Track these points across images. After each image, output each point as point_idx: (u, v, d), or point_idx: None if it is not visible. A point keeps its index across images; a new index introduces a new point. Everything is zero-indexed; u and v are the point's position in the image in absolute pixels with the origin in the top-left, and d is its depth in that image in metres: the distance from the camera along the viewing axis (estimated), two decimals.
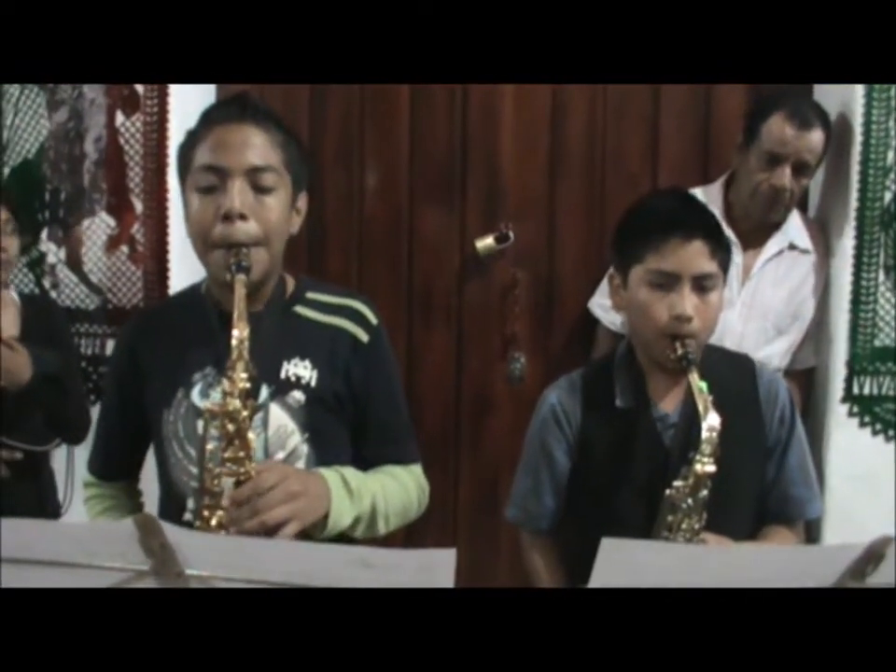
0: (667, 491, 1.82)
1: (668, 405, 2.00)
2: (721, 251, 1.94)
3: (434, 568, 1.18)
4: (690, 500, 1.81)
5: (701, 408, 1.80)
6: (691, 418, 1.91)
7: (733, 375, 2.01)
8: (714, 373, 1.90)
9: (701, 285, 1.90)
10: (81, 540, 1.25)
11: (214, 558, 1.23)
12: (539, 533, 2.14)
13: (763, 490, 2.03)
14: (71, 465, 2.95)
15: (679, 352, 1.87)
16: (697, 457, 1.79)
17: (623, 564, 1.23)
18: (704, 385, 1.82)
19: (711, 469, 1.78)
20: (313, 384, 1.83)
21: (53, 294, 3.15)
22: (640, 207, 2.05)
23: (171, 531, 1.21)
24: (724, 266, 1.95)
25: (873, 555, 1.23)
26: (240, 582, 1.21)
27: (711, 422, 1.78)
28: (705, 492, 1.80)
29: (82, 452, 2.86)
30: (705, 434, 1.78)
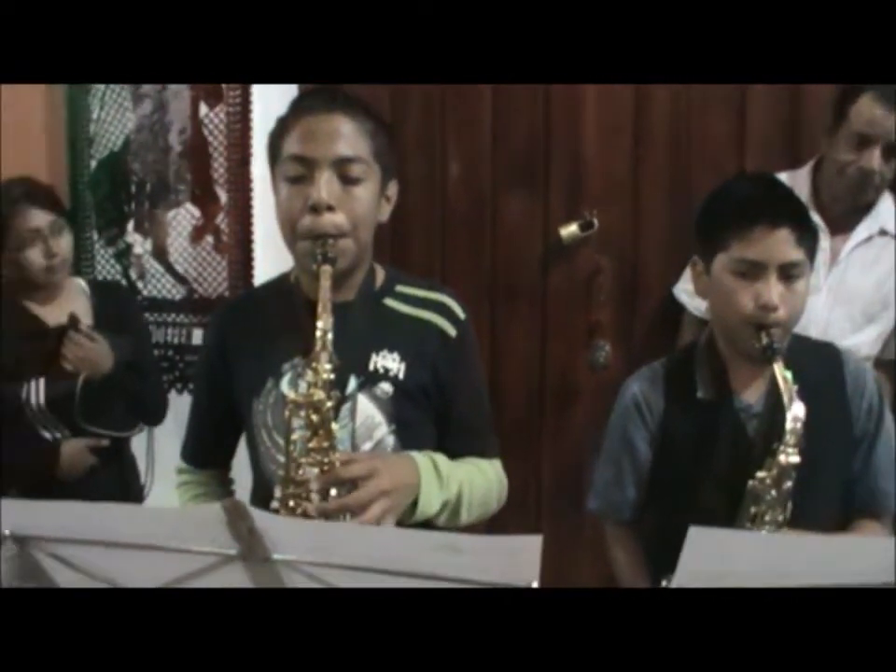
0: (750, 482, 1.80)
1: (751, 395, 1.98)
2: (807, 238, 1.90)
3: (520, 554, 1.17)
4: (773, 491, 1.79)
5: (786, 398, 1.77)
6: (774, 408, 1.88)
7: (818, 365, 1.98)
8: (799, 363, 1.87)
9: (787, 273, 1.87)
10: (171, 524, 1.27)
11: (301, 543, 1.24)
12: (621, 524, 2.13)
13: (851, 483, 2.00)
14: (151, 449, 3.00)
15: (765, 341, 1.84)
16: (781, 448, 1.77)
17: (710, 552, 1.21)
18: (789, 374, 1.80)
19: (795, 459, 1.77)
20: (401, 376, 1.83)
21: (140, 284, 3.20)
22: (725, 193, 2.02)
23: (259, 516, 1.22)
24: (811, 253, 1.92)
25: None
26: (326, 567, 1.23)
27: (796, 412, 1.76)
28: (789, 483, 1.78)
29: (161, 435, 2.91)
30: (789, 424, 1.76)
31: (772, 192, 1.99)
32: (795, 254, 1.87)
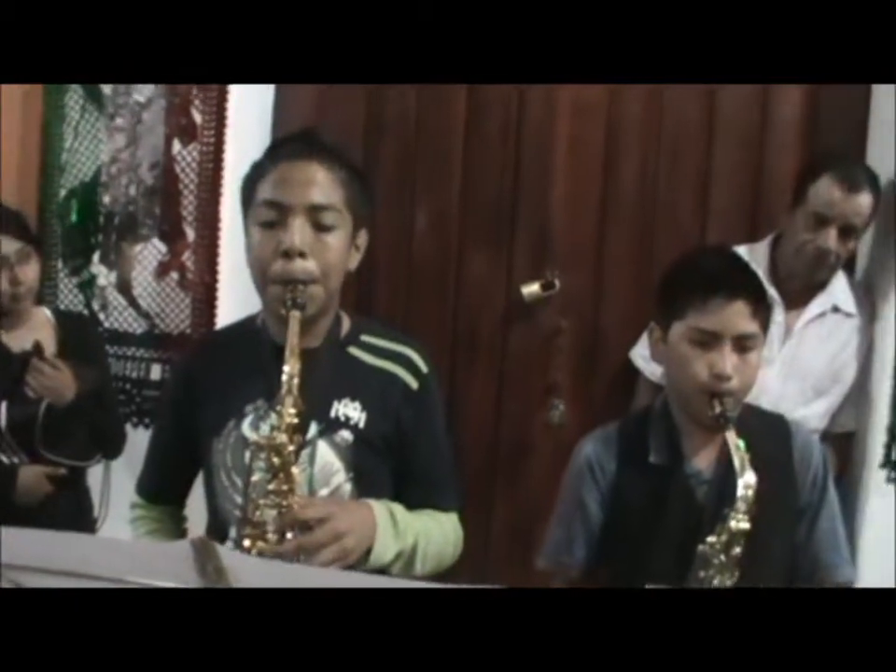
0: (700, 546, 1.82)
1: (702, 461, 2.00)
2: (762, 311, 1.95)
3: None
4: (722, 556, 1.80)
5: (738, 465, 1.79)
6: (724, 475, 1.91)
7: (767, 435, 2.01)
8: (749, 432, 1.89)
9: (742, 344, 1.91)
10: (136, 558, 1.28)
11: (265, 583, 1.24)
12: (570, 583, 2.12)
13: (794, 552, 2.02)
14: (107, 481, 2.98)
15: (717, 410, 1.87)
16: (732, 514, 1.78)
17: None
18: (741, 442, 1.82)
19: (745, 526, 1.78)
20: (361, 425, 1.85)
21: (102, 316, 3.20)
22: (685, 264, 2.06)
23: (226, 555, 1.24)
24: (765, 326, 1.96)
25: None
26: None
27: (748, 480, 1.78)
28: (738, 549, 1.80)
29: (118, 469, 2.90)
30: (740, 491, 1.78)
31: (731, 266, 2.02)
32: (750, 326, 1.91)
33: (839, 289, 2.83)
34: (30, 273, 2.74)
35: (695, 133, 3.11)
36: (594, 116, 3.13)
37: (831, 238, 2.68)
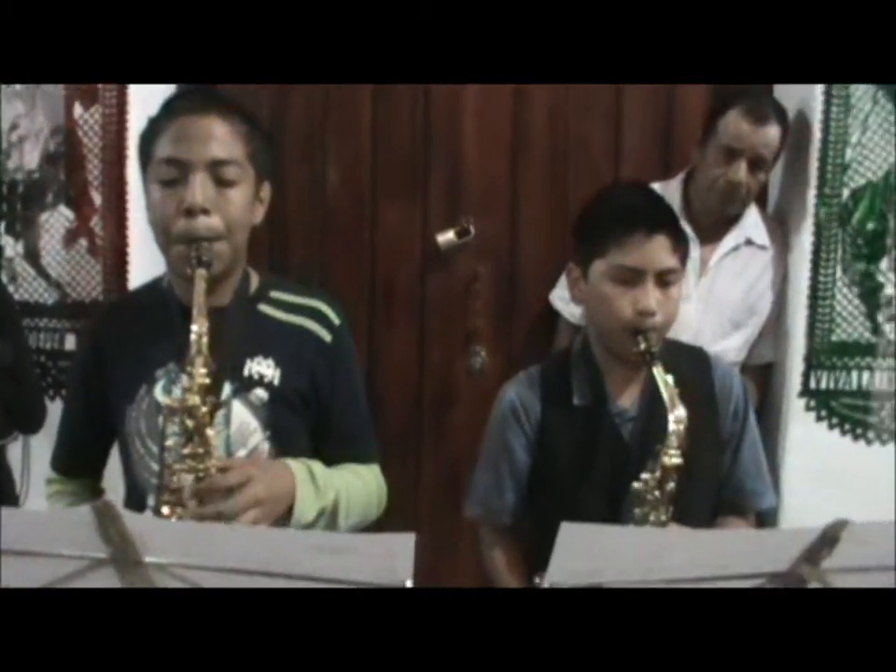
0: (635, 484, 1.83)
1: (626, 400, 2.02)
2: (681, 245, 1.95)
3: (394, 554, 1.18)
4: (657, 492, 1.81)
5: (668, 400, 1.80)
6: (650, 412, 1.94)
7: (688, 369, 2.01)
8: (670, 367, 1.89)
9: (664, 279, 1.91)
10: (38, 528, 1.25)
11: (173, 545, 1.23)
12: (500, 529, 2.14)
13: (719, 482, 2.05)
14: (27, 458, 2.93)
15: (643, 346, 1.87)
16: (664, 450, 1.79)
17: (582, 549, 1.23)
18: (670, 378, 1.83)
19: (678, 461, 1.79)
20: (276, 382, 1.83)
21: (11, 288, 3.12)
22: (602, 201, 2.05)
23: (130, 518, 1.21)
24: (684, 260, 1.97)
25: (827, 539, 1.25)
26: (199, 570, 1.21)
27: (678, 414, 1.79)
28: (671, 484, 1.81)
29: (38, 444, 2.84)
30: (672, 427, 1.79)
31: (648, 200, 2.03)
32: (671, 261, 1.92)
33: (752, 222, 2.85)
34: None
35: None
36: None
37: (741, 171, 2.70)
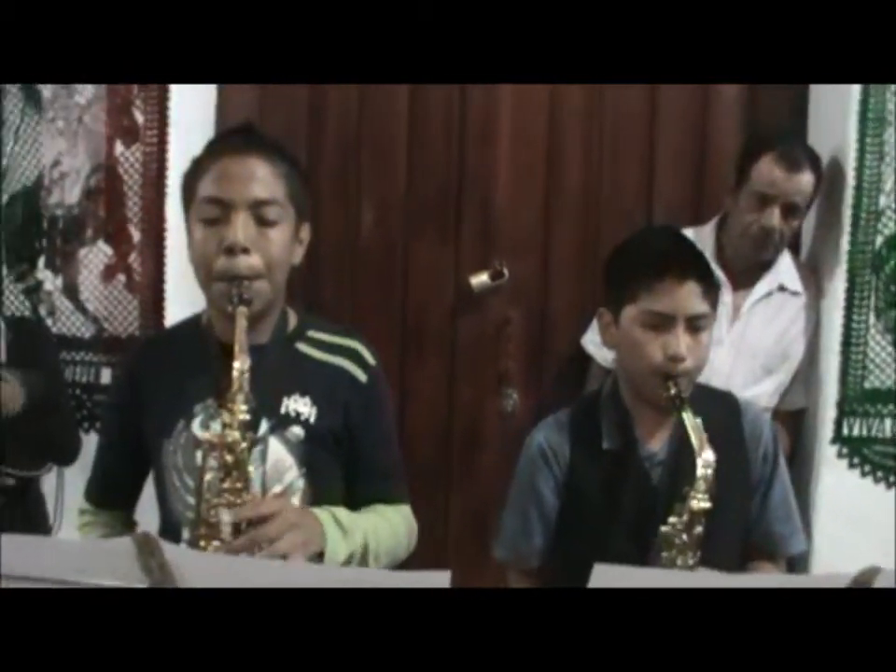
0: (662, 528, 1.82)
1: (655, 443, 2.01)
2: (712, 291, 1.95)
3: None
4: (685, 536, 1.81)
5: (696, 444, 1.80)
6: (678, 456, 1.93)
7: (718, 413, 2.01)
8: (700, 411, 1.89)
9: (694, 325, 1.91)
10: (79, 558, 1.26)
11: (211, 578, 1.24)
12: (527, 572, 2.14)
13: (749, 527, 2.04)
14: (61, 489, 2.95)
15: (673, 391, 1.87)
16: (692, 493, 1.79)
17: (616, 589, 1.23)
18: (699, 421, 1.83)
19: (706, 505, 1.79)
20: (312, 420, 1.84)
21: (49, 321, 3.17)
22: (633, 246, 2.05)
23: (169, 550, 1.22)
24: (714, 305, 1.97)
25: (860, 585, 1.26)
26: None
27: (707, 458, 1.78)
28: (699, 528, 1.81)
29: (72, 476, 2.87)
30: (700, 471, 1.78)
31: (679, 246, 2.02)
32: (701, 306, 1.91)
33: (785, 268, 2.85)
34: None
35: (637, 118, 3.12)
36: (536, 106, 3.13)
37: (774, 217, 2.71)
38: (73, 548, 1.32)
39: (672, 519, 1.82)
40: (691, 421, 1.83)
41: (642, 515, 1.93)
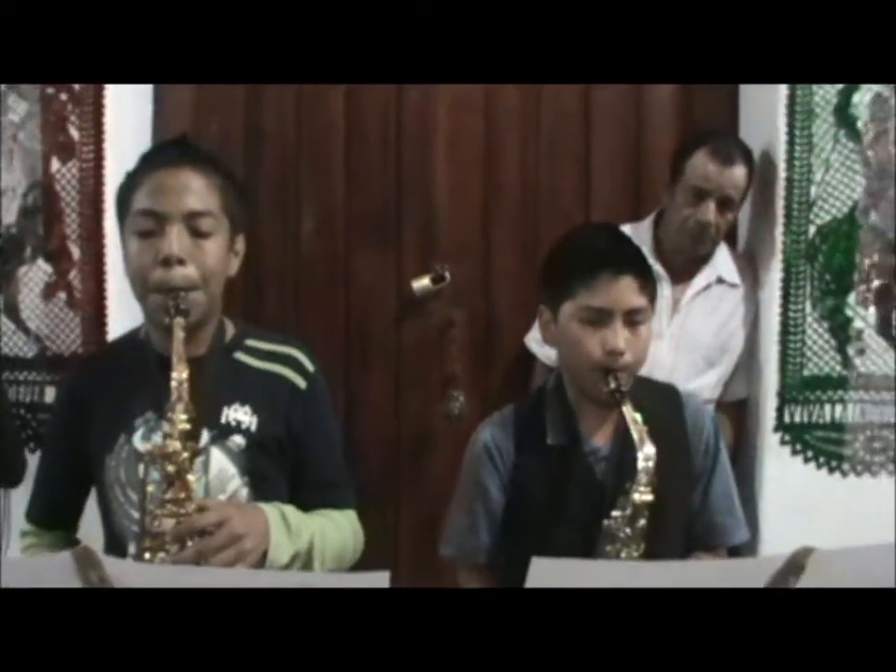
0: (605, 521, 1.83)
1: (599, 439, 2.02)
2: (649, 285, 1.96)
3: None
4: (628, 529, 1.82)
5: (637, 438, 1.81)
6: (622, 451, 1.94)
7: (660, 406, 2.03)
8: (642, 404, 1.91)
9: (632, 319, 1.92)
10: (19, 574, 1.25)
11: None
12: (475, 568, 2.14)
13: (691, 518, 2.06)
14: (6, 510, 2.92)
15: (612, 385, 1.88)
16: (635, 487, 1.80)
17: (554, 583, 1.24)
18: (639, 416, 1.84)
19: (649, 498, 1.80)
20: (253, 428, 1.85)
21: None
22: (569, 243, 2.06)
23: (109, 563, 1.22)
24: (652, 299, 1.98)
25: (794, 566, 1.28)
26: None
27: (647, 452, 1.80)
28: (642, 521, 1.82)
29: (17, 497, 2.84)
30: (641, 464, 1.79)
31: (615, 242, 2.04)
32: (639, 300, 1.93)
33: (722, 261, 2.89)
34: None
35: (572, 117, 3.15)
36: (472, 108, 3.15)
37: (710, 211, 2.74)
38: (12, 565, 1.31)
39: (615, 513, 1.83)
40: (630, 415, 1.84)
41: (588, 510, 1.94)
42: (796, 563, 1.28)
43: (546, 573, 1.24)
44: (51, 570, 1.23)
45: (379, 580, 1.18)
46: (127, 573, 1.24)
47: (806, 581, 1.26)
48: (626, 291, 1.92)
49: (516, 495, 2.06)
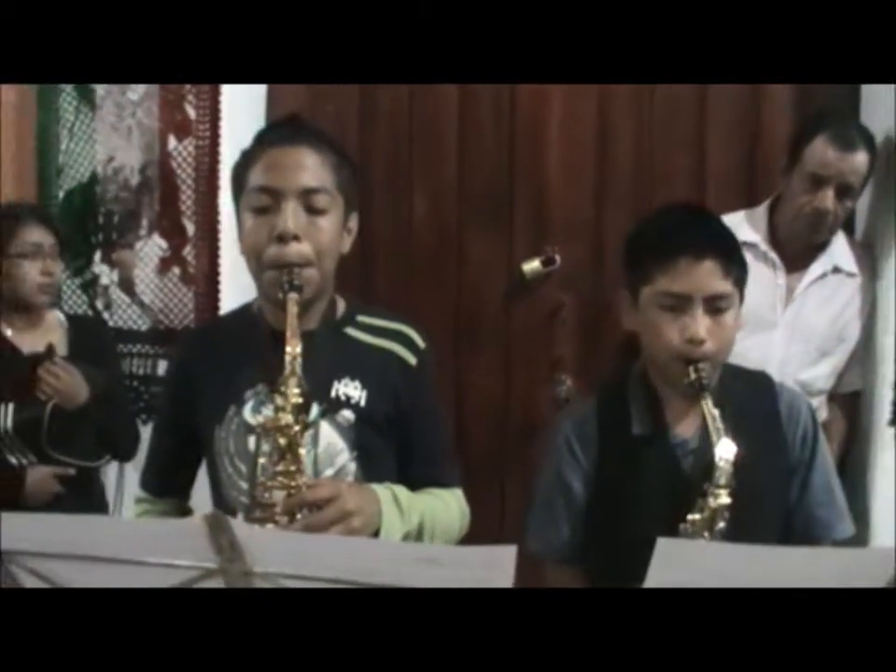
0: (681, 525, 1.76)
1: (687, 430, 1.94)
2: (735, 270, 1.87)
3: (496, 565, 1.20)
4: (706, 534, 1.75)
5: (714, 436, 1.74)
6: (710, 445, 1.80)
7: (752, 395, 1.96)
8: (732, 394, 1.85)
9: (714, 306, 1.84)
10: (150, 538, 1.28)
11: (281, 556, 1.25)
12: (561, 563, 2.06)
13: (788, 512, 1.97)
14: (121, 481, 3.01)
15: (693, 376, 1.80)
16: (711, 489, 1.73)
17: (678, 563, 1.23)
18: (717, 411, 1.76)
19: (725, 501, 1.73)
20: (362, 403, 1.85)
21: (106, 315, 3.21)
22: (648, 226, 2.00)
23: (240, 528, 1.24)
24: (740, 285, 1.89)
25: None
26: (306, 580, 1.23)
27: (724, 452, 1.73)
28: (721, 524, 1.75)
29: (132, 468, 2.91)
30: (718, 464, 1.73)
31: (695, 223, 1.96)
32: (722, 286, 1.84)
33: (839, 250, 2.82)
34: (58, 269, 2.81)
35: (688, 99, 3.11)
36: (586, 90, 3.13)
37: (828, 198, 2.67)
38: (143, 528, 1.34)
39: (691, 516, 1.76)
40: (710, 411, 1.77)
41: (674, 505, 1.82)
42: None
43: (671, 555, 1.22)
44: (183, 534, 1.25)
45: (506, 554, 1.18)
46: (257, 540, 1.25)
47: None
48: (707, 276, 1.83)
49: (599, 487, 1.98)
